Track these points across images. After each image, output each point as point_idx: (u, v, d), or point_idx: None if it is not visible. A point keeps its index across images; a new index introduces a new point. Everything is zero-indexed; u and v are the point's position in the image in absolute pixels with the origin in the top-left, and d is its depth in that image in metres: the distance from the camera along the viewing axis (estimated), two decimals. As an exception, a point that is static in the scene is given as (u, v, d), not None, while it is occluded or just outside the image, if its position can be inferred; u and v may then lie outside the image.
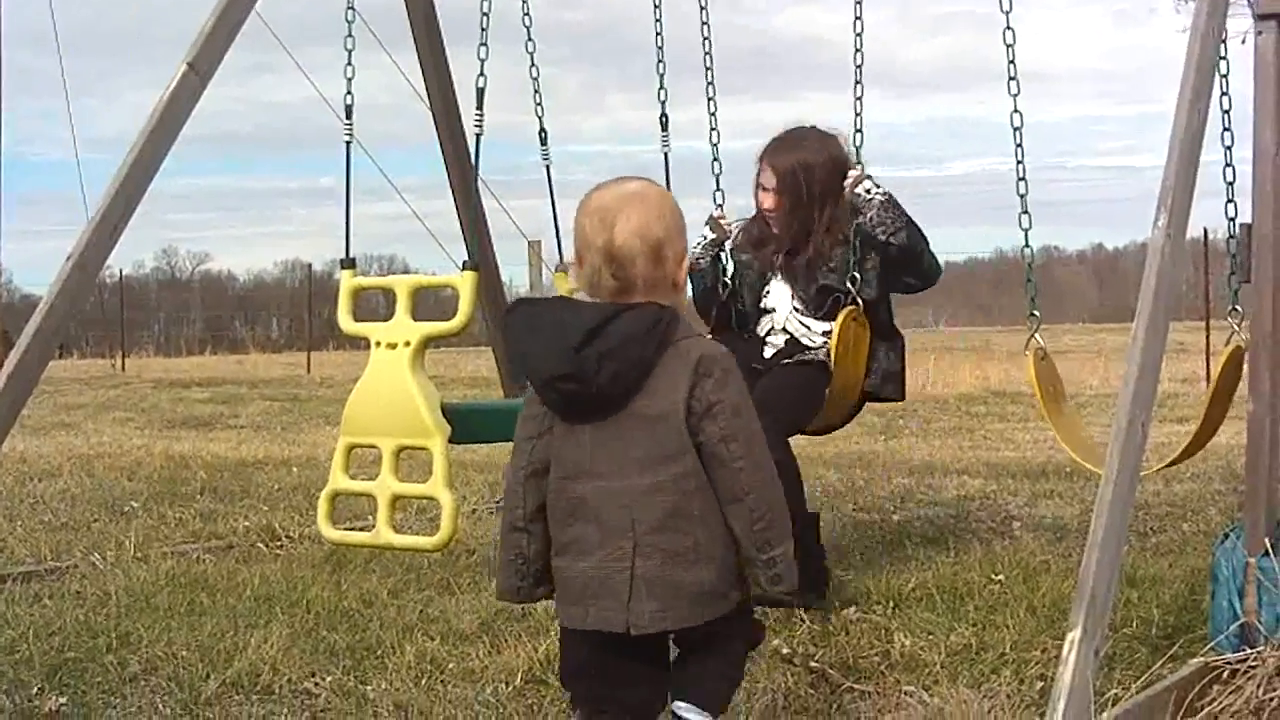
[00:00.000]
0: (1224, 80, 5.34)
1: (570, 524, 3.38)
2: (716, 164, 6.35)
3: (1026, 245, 5.93)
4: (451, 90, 7.64)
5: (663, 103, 6.66)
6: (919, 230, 5.81)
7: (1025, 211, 5.80)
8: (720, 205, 6.27)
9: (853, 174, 5.82)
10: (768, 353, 5.99)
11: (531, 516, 3.45)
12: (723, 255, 6.17)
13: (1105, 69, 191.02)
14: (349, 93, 6.32)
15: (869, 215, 5.74)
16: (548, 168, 7.24)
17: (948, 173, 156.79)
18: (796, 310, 5.97)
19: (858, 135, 5.87)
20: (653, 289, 3.39)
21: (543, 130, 7.15)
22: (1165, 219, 4.09)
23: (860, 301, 5.75)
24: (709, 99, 6.54)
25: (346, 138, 6.36)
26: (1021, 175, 5.82)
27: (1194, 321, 27.64)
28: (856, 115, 5.91)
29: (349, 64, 6.30)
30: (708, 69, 6.51)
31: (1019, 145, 5.80)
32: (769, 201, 5.94)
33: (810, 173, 5.86)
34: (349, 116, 6.34)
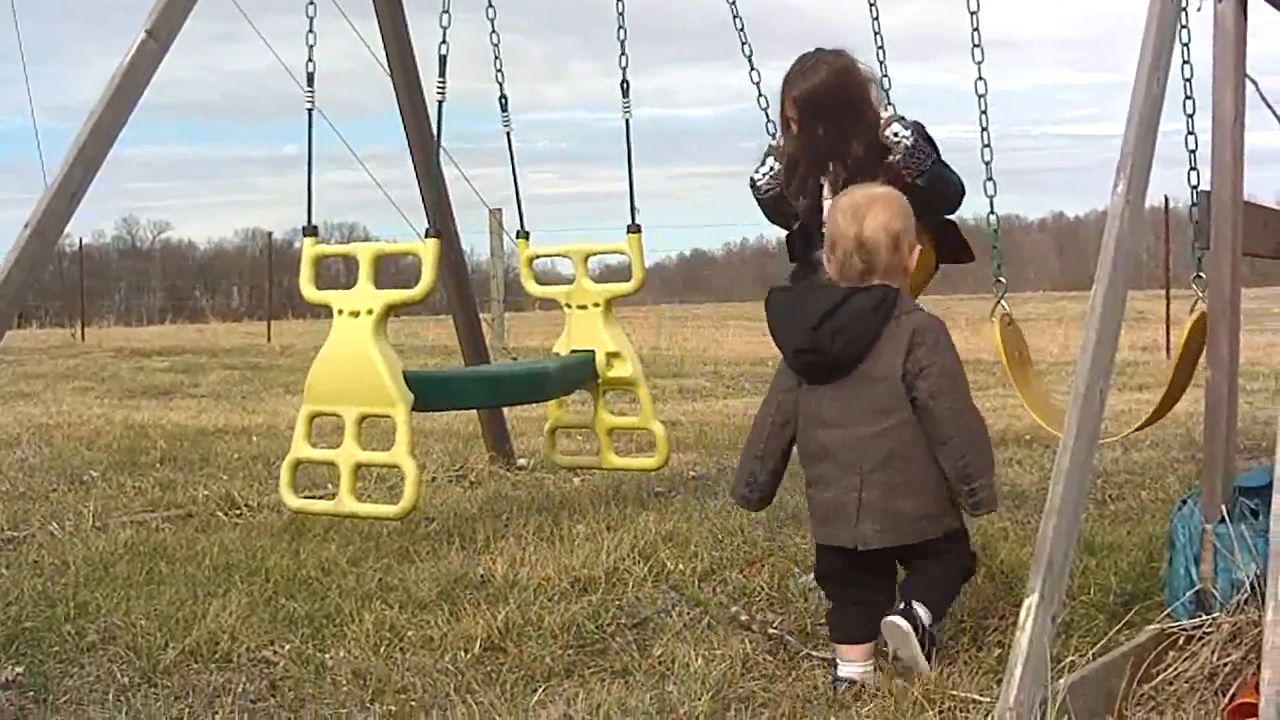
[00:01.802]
0: (1185, 49, 5.36)
1: (816, 463, 4.36)
2: (762, 98, 6.36)
3: (992, 211, 5.98)
4: (412, 58, 7.63)
5: (624, 69, 6.67)
6: (945, 167, 5.80)
7: (990, 179, 5.86)
8: (774, 135, 6.18)
9: (884, 115, 5.82)
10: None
11: (768, 451, 4.49)
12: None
13: (1071, 37, 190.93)
14: (310, 60, 6.30)
15: (896, 158, 5.71)
16: (508, 135, 7.25)
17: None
18: None
19: (886, 79, 6.00)
20: (890, 273, 4.34)
21: (503, 97, 7.16)
22: (1124, 185, 4.10)
23: None
24: (742, 43, 6.65)
25: (308, 105, 6.35)
26: (986, 143, 5.88)
27: (1154, 290, 27.73)
28: (880, 63, 6.10)
29: (310, 31, 6.28)
30: (736, 17, 6.72)
31: (984, 112, 5.87)
32: (798, 132, 5.80)
33: (832, 98, 5.74)
34: (310, 84, 6.32)
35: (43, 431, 11.05)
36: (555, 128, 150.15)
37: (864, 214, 4.33)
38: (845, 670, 4.31)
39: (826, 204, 5.80)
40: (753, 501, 4.61)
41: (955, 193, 5.91)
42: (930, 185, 5.74)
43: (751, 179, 6.12)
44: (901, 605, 4.29)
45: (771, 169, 6.07)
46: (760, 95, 6.44)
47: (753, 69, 6.51)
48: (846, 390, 4.28)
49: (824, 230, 5.00)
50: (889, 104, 5.95)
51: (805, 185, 5.94)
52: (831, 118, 5.77)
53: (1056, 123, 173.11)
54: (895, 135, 5.77)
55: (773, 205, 6.12)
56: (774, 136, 6.24)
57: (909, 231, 4.38)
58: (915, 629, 4.20)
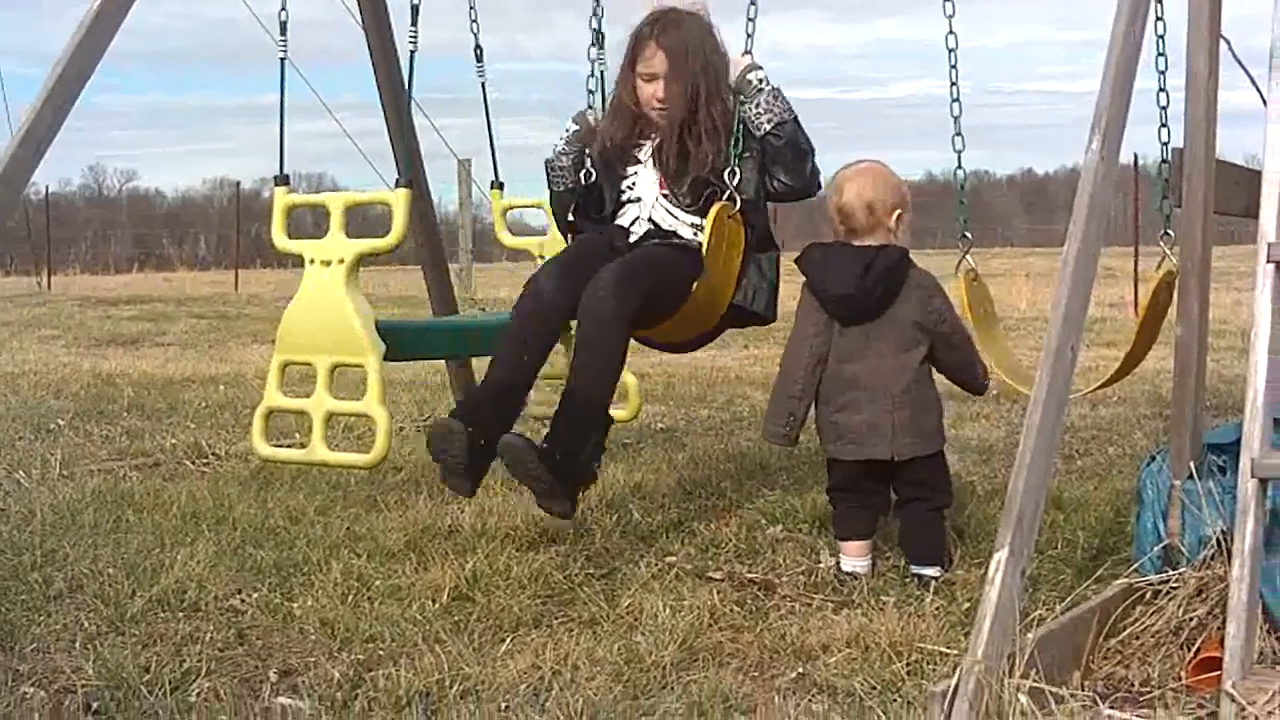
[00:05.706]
0: (1159, 5, 5.34)
1: (846, 392, 5.04)
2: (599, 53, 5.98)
3: (959, 168, 5.96)
4: (384, 5, 7.56)
5: (599, 18, 6.63)
6: (805, 133, 5.42)
7: (958, 134, 5.83)
8: (590, 105, 5.84)
9: (745, 59, 5.40)
10: (632, 237, 5.53)
11: (805, 389, 5.10)
12: (587, 151, 5.69)
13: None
14: (283, 9, 6.24)
15: (756, 102, 5.33)
16: (483, 85, 7.21)
17: (890, 94, 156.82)
18: (664, 199, 5.50)
19: (750, 24, 5.40)
20: (871, 233, 5.08)
21: (478, 47, 7.10)
22: (1099, 142, 4.10)
23: (737, 200, 5.26)
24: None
25: (281, 54, 6.30)
26: (955, 97, 5.83)
27: (1122, 247, 27.78)
28: (751, 4, 5.42)
29: (283, -21, 6.22)
30: None
31: (953, 67, 5.81)
32: (660, 91, 5.43)
33: (700, 56, 5.41)
34: (283, 33, 6.26)
35: (9, 380, 11.00)
36: (534, 78, 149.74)
37: (842, 185, 5.13)
38: (848, 564, 5.06)
39: (643, 166, 5.58)
40: (791, 438, 5.19)
41: (813, 166, 5.50)
42: (791, 138, 5.37)
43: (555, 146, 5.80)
44: (914, 578, 4.92)
45: (571, 131, 5.74)
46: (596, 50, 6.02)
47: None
48: (874, 330, 5.02)
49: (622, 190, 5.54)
50: (748, 51, 5.44)
51: (626, 145, 5.60)
52: (695, 75, 5.41)
53: (1034, 79, 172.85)
54: (759, 80, 5.36)
55: (558, 167, 5.79)
56: (591, 94, 5.87)
57: (881, 199, 5.10)
58: (930, 588, 4.79)
